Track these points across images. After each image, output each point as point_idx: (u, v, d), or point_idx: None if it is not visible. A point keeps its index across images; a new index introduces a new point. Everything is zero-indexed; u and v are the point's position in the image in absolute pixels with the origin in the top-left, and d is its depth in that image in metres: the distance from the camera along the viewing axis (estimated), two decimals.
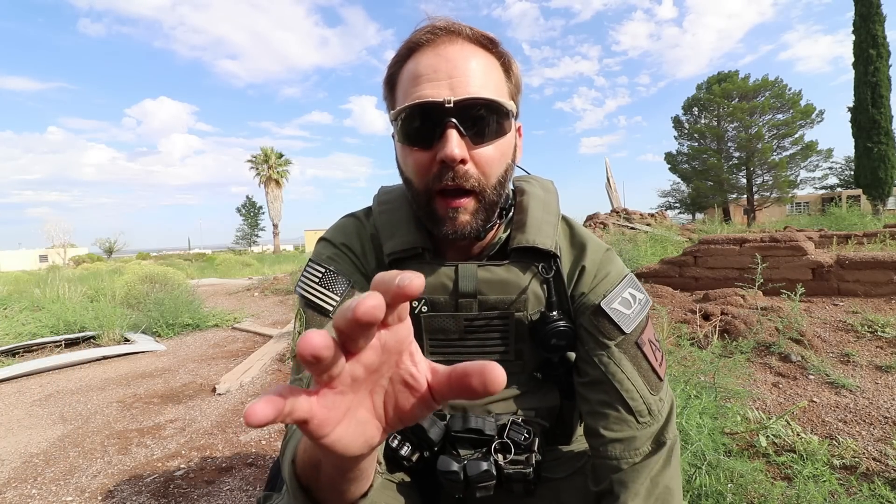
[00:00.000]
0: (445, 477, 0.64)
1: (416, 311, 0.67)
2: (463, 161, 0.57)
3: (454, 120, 0.55)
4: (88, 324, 4.40)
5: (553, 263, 0.67)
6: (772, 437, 1.69)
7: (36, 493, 1.69)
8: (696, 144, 28.13)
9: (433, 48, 0.58)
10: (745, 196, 26.82)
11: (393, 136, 0.69)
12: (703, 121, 28.20)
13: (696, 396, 1.71)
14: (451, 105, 0.55)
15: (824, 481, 1.30)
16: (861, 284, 3.55)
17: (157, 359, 3.66)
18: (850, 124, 17.31)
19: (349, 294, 0.66)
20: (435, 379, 0.31)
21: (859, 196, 19.18)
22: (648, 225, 10.06)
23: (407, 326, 0.29)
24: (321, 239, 0.73)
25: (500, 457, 0.66)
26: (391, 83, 0.63)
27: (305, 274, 0.68)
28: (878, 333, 2.68)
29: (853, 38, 16.98)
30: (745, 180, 26.73)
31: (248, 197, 58.17)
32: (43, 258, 36.49)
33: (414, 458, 0.67)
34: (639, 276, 4.73)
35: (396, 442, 0.67)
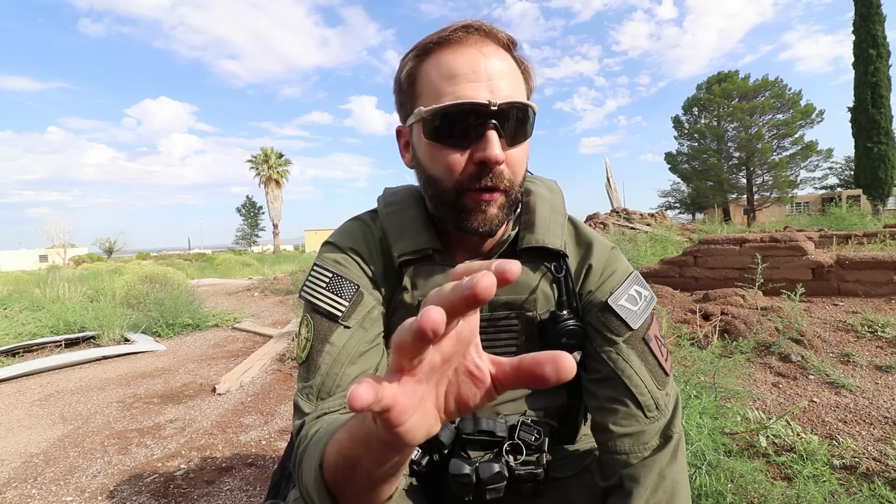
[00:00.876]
0: (457, 480, 0.63)
1: None
2: (502, 162, 0.58)
3: (495, 122, 0.56)
4: (88, 324, 4.40)
5: (563, 263, 0.68)
6: (772, 437, 1.69)
7: (36, 493, 1.69)
8: (696, 144, 28.13)
9: (469, 47, 0.58)
10: (745, 196, 26.82)
11: (398, 132, 0.68)
12: (703, 121, 28.20)
13: (696, 396, 1.71)
14: (496, 108, 0.55)
15: (824, 481, 1.30)
16: (861, 284, 3.55)
17: (157, 359, 3.66)
18: (850, 124, 17.31)
19: (357, 298, 0.65)
20: (499, 370, 0.31)
21: (859, 196, 19.18)
22: (648, 225, 10.06)
23: (477, 318, 0.31)
24: (326, 243, 0.73)
25: (511, 458, 0.66)
26: (411, 77, 0.62)
27: (311, 278, 0.68)
28: (878, 333, 2.68)
29: (853, 38, 16.99)
30: (745, 180, 26.73)
31: (248, 197, 58.28)
32: (43, 258, 36.49)
33: (423, 461, 0.67)
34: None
35: None
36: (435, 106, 0.57)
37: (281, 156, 35.19)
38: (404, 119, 0.65)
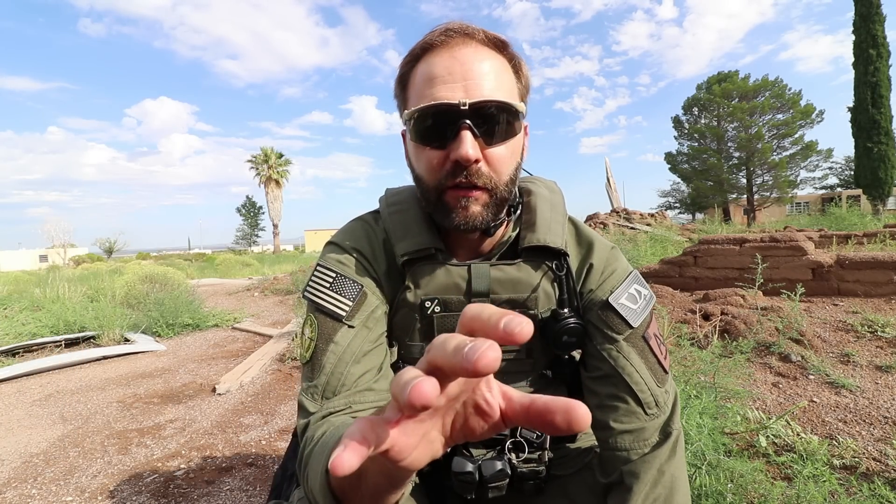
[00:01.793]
0: (460, 478, 0.64)
1: (429, 312, 0.67)
2: (476, 161, 0.58)
3: (468, 121, 0.57)
4: (88, 324, 4.40)
5: (563, 262, 0.68)
6: (772, 437, 1.69)
7: (36, 493, 1.69)
8: (696, 144, 28.11)
9: (448, 50, 0.59)
10: (745, 196, 26.80)
11: (403, 135, 0.69)
12: (703, 121, 28.18)
13: (696, 396, 1.71)
14: (466, 107, 0.56)
15: (824, 481, 1.30)
16: (861, 284, 3.55)
17: (157, 359, 3.66)
18: (850, 124, 17.30)
19: (361, 298, 0.66)
20: (509, 406, 0.30)
21: (859, 196, 19.17)
22: (648, 225, 10.06)
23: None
24: (329, 243, 0.73)
25: (514, 455, 0.67)
26: (403, 82, 0.64)
27: (314, 278, 0.68)
28: (878, 333, 2.68)
29: (853, 38, 16.98)
30: (745, 180, 26.71)
31: (248, 197, 58.28)
32: (43, 258, 36.48)
33: None
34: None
35: None
36: (413, 108, 0.58)
37: (281, 156, 35.18)
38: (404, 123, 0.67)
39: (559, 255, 0.68)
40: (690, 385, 1.82)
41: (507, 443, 0.67)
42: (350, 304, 0.65)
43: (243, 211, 57.63)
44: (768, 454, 1.57)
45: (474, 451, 0.68)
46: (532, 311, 0.68)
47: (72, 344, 4.12)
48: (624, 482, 0.62)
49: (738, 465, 1.36)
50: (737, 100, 26.15)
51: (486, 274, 0.66)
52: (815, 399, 2.05)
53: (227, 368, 3.26)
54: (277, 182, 34.99)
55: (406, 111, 0.60)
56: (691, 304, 3.49)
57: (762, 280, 3.12)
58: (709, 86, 27.42)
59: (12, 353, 3.75)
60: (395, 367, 0.71)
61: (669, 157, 29.14)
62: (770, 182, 25.93)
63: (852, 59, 17.14)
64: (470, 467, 0.64)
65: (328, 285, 0.66)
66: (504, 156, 0.60)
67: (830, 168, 30.93)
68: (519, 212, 0.72)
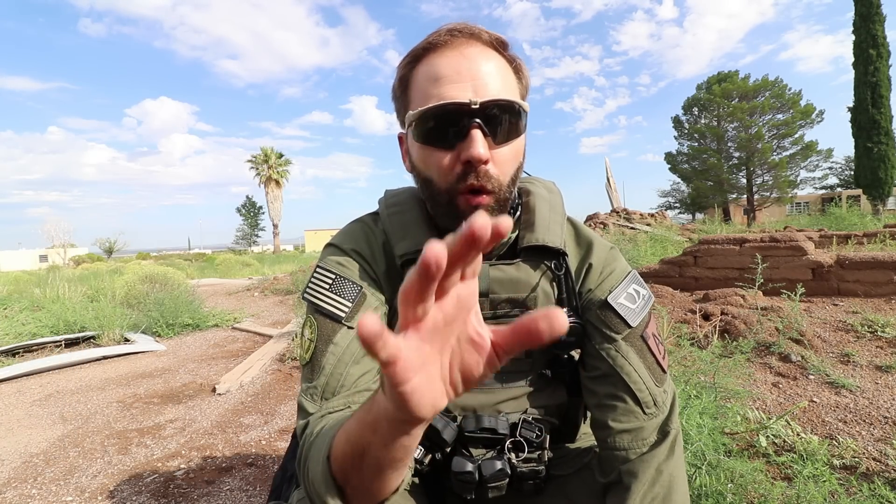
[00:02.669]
0: (459, 478, 0.64)
1: None
2: (486, 161, 0.58)
3: (478, 121, 0.56)
4: (88, 324, 4.40)
5: (562, 261, 0.68)
6: (772, 437, 1.69)
7: (36, 493, 1.69)
8: (696, 144, 28.12)
9: (453, 49, 0.59)
10: (745, 196, 26.81)
11: (400, 138, 0.69)
12: (703, 121, 28.19)
13: (696, 396, 1.71)
14: (477, 106, 0.56)
15: (824, 481, 1.30)
16: (861, 284, 3.55)
17: (157, 359, 3.66)
18: (850, 124, 17.30)
19: (361, 299, 0.66)
20: (498, 337, 0.33)
21: (859, 196, 19.16)
22: (648, 225, 10.06)
23: (476, 283, 0.32)
24: (329, 245, 0.73)
25: (514, 455, 0.67)
26: (404, 84, 0.64)
27: (314, 280, 0.68)
28: (878, 333, 2.68)
29: (853, 38, 16.98)
30: (745, 180, 26.72)
31: (248, 197, 58.29)
32: (43, 258, 36.47)
33: (426, 460, 0.67)
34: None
35: None
36: (420, 108, 0.58)
37: (281, 156, 35.17)
38: (402, 125, 0.66)
39: (558, 254, 0.68)
40: (690, 385, 1.82)
41: (507, 442, 0.67)
42: (350, 305, 0.65)
43: (243, 211, 57.65)
44: (768, 454, 1.57)
45: (474, 451, 0.68)
46: (531, 310, 0.68)
47: (72, 344, 4.12)
48: (622, 481, 0.62)
49: (738, 465, 1.36)
50: (737, 100, 26.15)
51: (485, 274, 0.66)
52: (815, 399, 2.05)
53: (227, 368, 3.26)
54: (277, 182, 34.99)
55: (411, 112, 0.60)
56: (691, 304, 3.49)
57: (762, 280, 3.12)
58: (709, 86, 27.43)
59: (12, 353, 3.75)
60: None
61: (669, 157, 29.15)
62: (770, 182, 25.93)
63: (852, 59, 17.15)
64: (469, 467, 0.64)
65: (328, 287, 0.66)
66: (508, 157, 0.61)
67: (830, 168, 30.96)
68: (518, 212, 0.72)
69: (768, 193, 26.30)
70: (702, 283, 4.31)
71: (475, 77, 0.57)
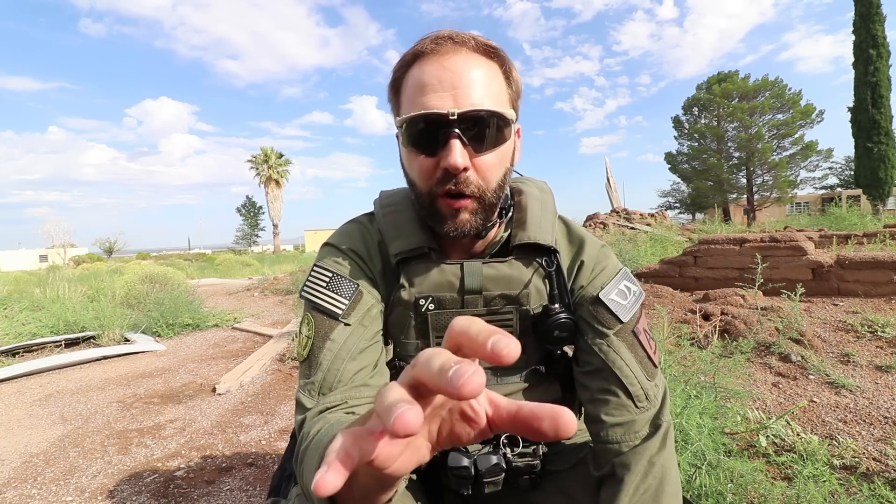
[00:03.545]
0: (455, 473, 0.65)
1: (423, 310, 0.68)
2: (465, 169, 0.59)
3: (457, 130, 0.58)
4: (88, 324, 4.40)
5: (553, 258, 0.70)
6: (772, 437, 1.69)
7: (36, 493, 1.69)
8: (696, 144, 28.11)
9: (438, 58, 0.60)
10: (745, 196, 26.81)
11: (397, 137, 0.70)
12: (703, 121, 28.18)
13: (696, 396, 1.71)
14: (455, 117, 0.57)
15: (824, 481, 1.30)
16: (861, 284, 3.55)
17: (157, 359, 3.66)
18: (850, 124, 17.30)
19: (357, 297, 0.67)
20: (496, 413, 0.30)
21: (859, 196, 19.16)
22: (648, 225, 10.06)
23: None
24: (326, 244, 0.75)
25: (509, 450, 0.68)
26: (396, 87, 0.65)
27: (311, 278, 0.70)
28: (878, 333, 2.68)
29: (853, 38, 16.98)
30: (745, 180, 26.72)
31: (248, 197, 58.29)
32: (43, 258, 36.46)
33: None
34: (639, 276, 4.73)
35: None
36: (404, 116, 0.60)
37: (281, 156, 35.18)
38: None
39: (549, 251, 0.70)
40: (690, 385, 1.82)
41: (502, 437, 0.68)
42: (346, 302, 0.66)
43: (243, 211, 57.65)
44: (768, 454, 1.57)
45: (469, 447, 0.68)
46: (524, 307, 0.69)
47: (72, 344, 4.12)
48: (616, 474, 0.63)
49: (738, 465, 1.36)
50: (737, 100, 26.15)
51: (478, 271, 0.67)
52: (815, 399, 2.05)
53: (227, 368, 3.26)
54: (277, 182, 34.99)
55: (398, 117, 0.62)
56: (691, 304, 3.49)
57: (762, 280, 3.12)
58: (709, 86, 27.42)
59: (12, 353, 3.75)
60: (391, 365, 0.72)
61: (669, 157, 29.14)
62: (770, 182, 25.93)
63: (852, 59, 17.15)
64: (465, 462, 0.65)
65: (325, 285, 0.68)
66: (493, 163, 0.61)
67: (830, 168, 30.96)
68: (510, 211, 0.73)
69: (768, 193, 26.30)
70: (702, 283, 4.31)
71: (456, 86, 0.58)
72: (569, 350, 0.74)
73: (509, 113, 0.61)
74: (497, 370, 0.71)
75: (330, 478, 0.25)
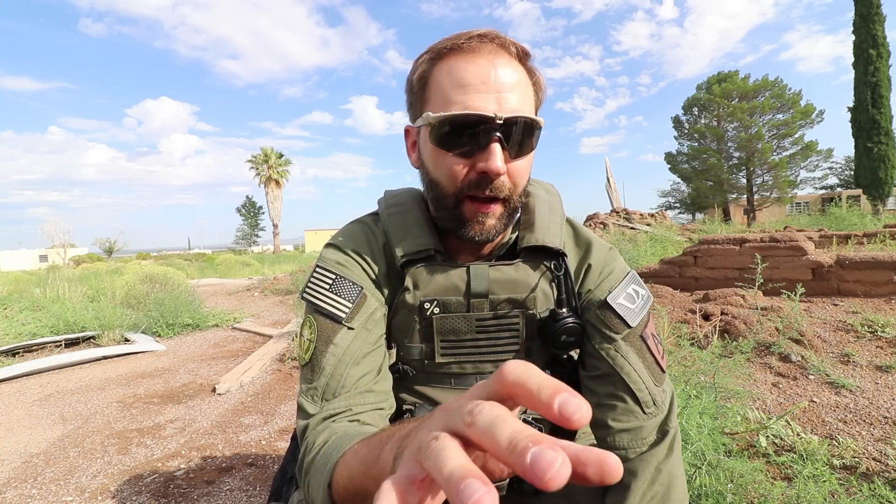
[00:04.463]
0: None
1: (428, 313, 0.67)
2: (503, 174, 0.59)
3: (500, 135, 0.57)
4: (88, 324, 4.40)
5: (561, 261, 0.69)
6: (772, 437, 1.69)
7: (36, 493, 1.69)
8: (696, 144, 28.08)
9: (481, 57, 0.58)
10: (745, 196, 26.79)
11: (408, 129, 0.68)
12: (703, 121, 28.15)
13: (696, 396, 1.71)
14: (502, 121, 0.56)
15: (824, 481, 1.30)
16: (861, 284, 3.55)
17: (157, 359, 3.66)
18: (850, 124, 17.30)
19: (361, 300, 0.66)
20: None
21: (859, 196, 19.15)
22: (648, 225, 10.06)
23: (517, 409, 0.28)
24: (329, 245, 0.73)
25: None
26: (423, 79, 0.62)
27: (314, 280, 0.68)
28: (878, 333, 2.68)
29: (853, 38, 16.97)
30: (745, 180, 26.70)
31: (248, 197, 58.23)
32: (43, 258, 36.45)
33: None
34: (639, 276, 4.73)
35: None
36: (443, 113, 0.58)
37: (281, 156, 35.16)
38: (413, 119, 0.66)
39: (557, 255, 0.68)
40: (690, 385, 1.82)
41: None
42: (350, 305, 0.65)
43: (243, 211, 57.61)
44: (768, 454, 1.57)
45: None
46: (531, 311, 0.68)
47: (72, 344, 4.12)
48: (622, 480, 0.62)
49: (738, 465, 1.36)
50: (737, 100, 26.12)
51: (485, 275, 0.66)
52: (815, 399, 2.05)
53: (227, 368, 3.26)
54: (277, 182, 34.97)
55: (431, 114, 0.59)
56: (691, 304, 3.49)
57: (762, 280, 3.12)
58: (709, 86, 27.39)
59: (12, 353, 3.75)
60: (394, 369, 0.71)
61: (669, 157, 29.12)
62: (770, 182, 25.91)
63: (852, 59, 17.14)
64: None
65: (328, 287, 0.66)
66: (523, 169, 0.62)
67: (830, 168, 30.95)
68: (518, 215, 0.72)
69: (768, 193, 26.28)
70: (702, 283, 4.31)
71: (500, 89, 0.57)
72: (574, 353, 0.73)
73: (541, 121, 0.61)
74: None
75: None
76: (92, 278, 7.58)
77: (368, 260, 0.70)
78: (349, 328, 0.64)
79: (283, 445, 2.03)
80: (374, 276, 0.70)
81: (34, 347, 3.91)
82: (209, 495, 1.64)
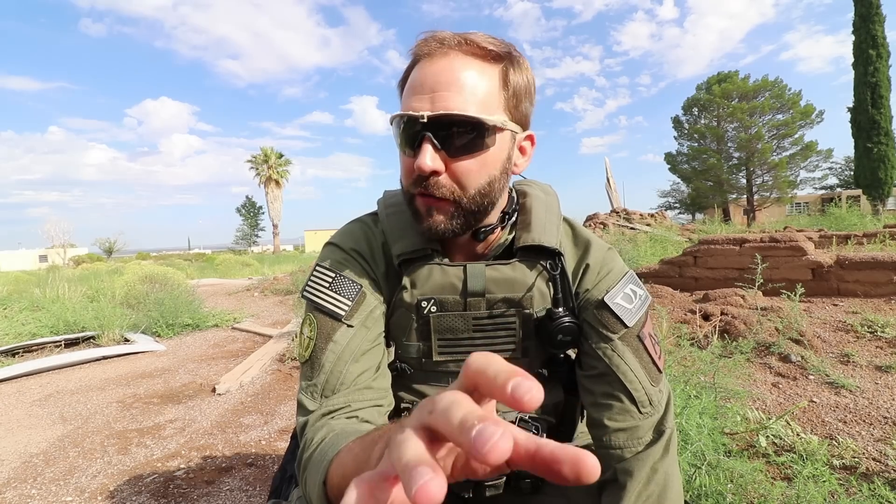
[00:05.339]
0: None
1: (425, 312, 0.68)
2: (436, 172, 0.59)
3: (429, 133, 0.58)
4: (88, 324, 4.40)
5: (558, 261, 0.69)
6: (772, 437, 1.69)
7: (36, 493, 1.69)
8: (696, 145, 28.11)
9: (428, 60, 0.60)
10: (745, 196, 26.82)
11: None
12: (703, 121, 28.18)
13: (696, 396, 1.71)
14: (424, 120, 0.57)
15: (824, 481, 1.30)
16: (861, 284, 3.55)
17: (156, 359, 3.66)
18: (850, 124, 17.31)
19: (360, 298, 0.67)
20: (514, 449, 0.27)
21: (859, 196, 19.16)
22: (648, 225, 10.07)
23: (493, 404, 0.28)
24: (329, 243, 0.74)
25: None
26: (401, 88, 0.66)
27: (314, 278, 0.69)
28: (878, 334, 2.68)
29: (853, 38, 16.99)
30: (745, 180, 26.73)
31: (248, 197, 58.26)
32: (43, 258, 36.44)
33: None
34: (639, 276, 4.72)
35: None
36: (391, 115, 0.62)
37: (281, 156, 35.18)
38: None
39: (554, 254, 0.69)
40: (690, 385, 1.82)
41: None
42: (349, 303, 0.66)
43: (243, 211, 57.64)
44: (768, 454, 1.57)
45: None
46: (527, 311, 0.68)
47: (72, 344, 4.12)
48: (618, 480, 0.63)
49: (738, 465, 1.36)
50: (737, 100, 26.15)
51: (481, 273, 0.67)
52: (814, 399, 2.05)
53: (227, 368, 3.26)
54: (277, 182, 34.99)
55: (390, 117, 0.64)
56: (691, 304, 3.49)
57: (762, 280, 3.12)
58: (709, 86, 27.42)
59: (12, 353, 3.75)
60: (392, 367, 0.71)
61: (669, 158, 29.14)
62: (770, 182, 25.93)
63: (852, 60, 17.16)
64: None
65: (327, 285, 0.67)
66: (470, 169, 0.60)
67: (830, 168, 30.95)
68: (515, 214, 0.72)
69: (768, 194, 26.30)
70: (702, 284, 4.31)
71: (436, 89, 0.58)
72: (571, 353, 0.74)
73: (493, 119, 0.58)
74: None
75: None
76: (92, 278, 7.59)
77: (368, 259, 0.71)
78: (349, 326, 0.65)
79: (283, 445, 2.03)
80: (373, 275, 0.70)
81: (34, 347, 3.91)
82: (209, 495, 1.64)
